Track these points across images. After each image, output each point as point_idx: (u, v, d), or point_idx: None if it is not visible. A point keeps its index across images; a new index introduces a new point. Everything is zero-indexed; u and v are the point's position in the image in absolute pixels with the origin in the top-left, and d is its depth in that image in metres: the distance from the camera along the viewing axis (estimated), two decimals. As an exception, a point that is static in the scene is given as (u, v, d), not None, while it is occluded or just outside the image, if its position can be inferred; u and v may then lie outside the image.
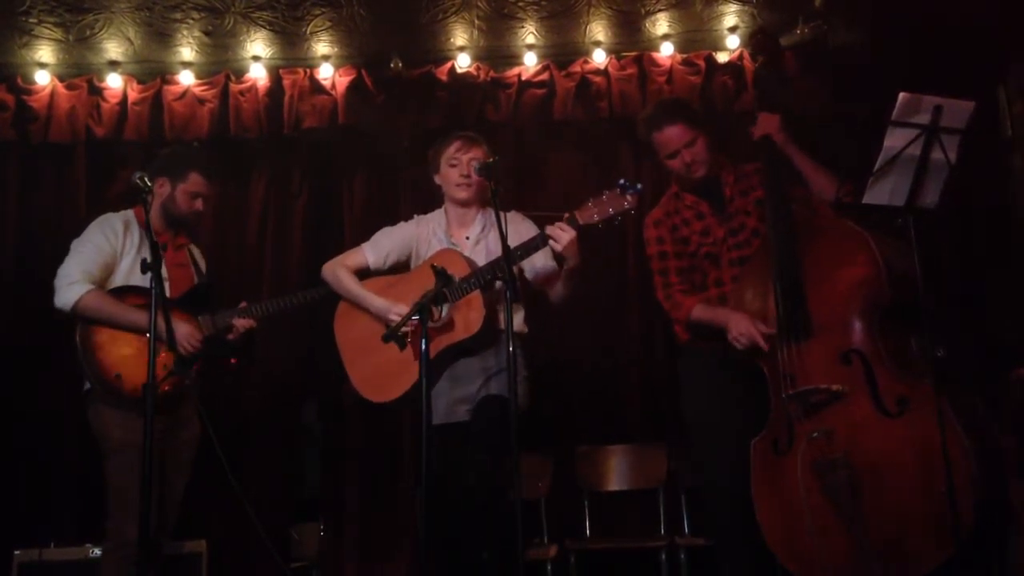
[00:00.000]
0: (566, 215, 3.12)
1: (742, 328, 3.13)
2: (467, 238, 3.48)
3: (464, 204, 3.50)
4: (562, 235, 3.10)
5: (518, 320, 3.45)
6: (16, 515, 4.29)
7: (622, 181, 3.06)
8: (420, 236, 3.56)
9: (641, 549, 4.22)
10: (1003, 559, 2.96)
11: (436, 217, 3.59)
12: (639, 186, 3.07)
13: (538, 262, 3.39)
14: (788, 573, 3.03)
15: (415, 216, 3.64)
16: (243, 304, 3.76)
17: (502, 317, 3.36)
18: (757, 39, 3.60)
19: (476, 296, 3.23)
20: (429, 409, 3.04)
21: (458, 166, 3.46)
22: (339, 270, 3.55)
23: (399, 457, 4.62)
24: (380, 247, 3.57)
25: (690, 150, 3.40)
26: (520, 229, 3.38)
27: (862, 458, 2.90)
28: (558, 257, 3.25)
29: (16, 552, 3.81)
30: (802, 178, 3.32)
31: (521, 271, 3.44)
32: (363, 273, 3.55)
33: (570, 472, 4.53)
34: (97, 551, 3.76)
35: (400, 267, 3.57)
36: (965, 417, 2.80)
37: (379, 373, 3.40)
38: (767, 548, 3.07)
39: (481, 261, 3.32)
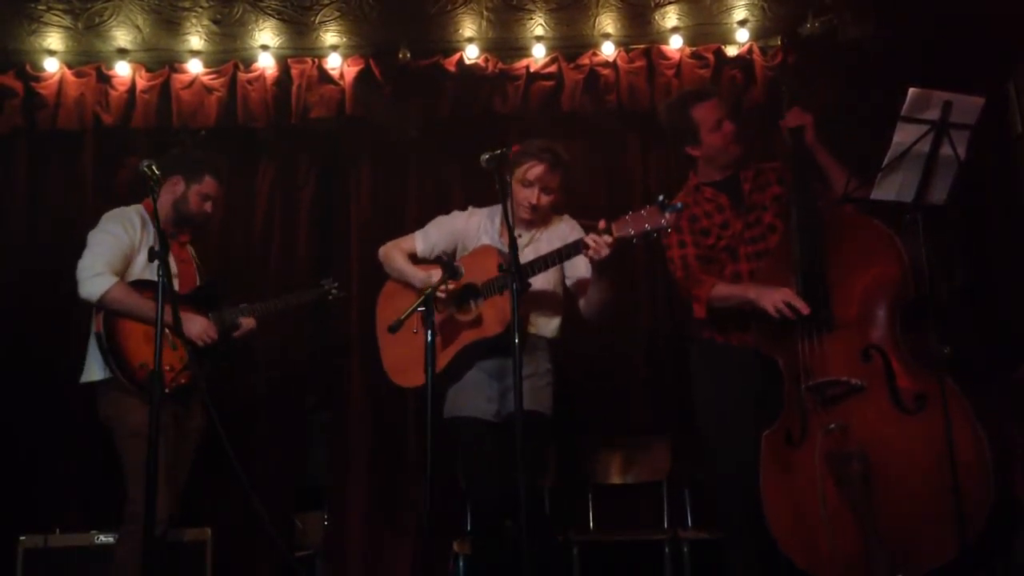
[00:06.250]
0: (601, 225, 3.05)
1: (781, 295, 3.10)
2: (519, 236, 3.43)
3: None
4: (599, 248, 3.03)
5: (553, 326, 3.45)
6: (21, 501, 4.29)
7: (661, 198, 2.93)
8: (469, 229, 3.55)
9: (644, 542, 4.22)
10: (1008, 555, 2.96)
11: (493, 212, 3.54)
12: (680, 205, 2.97)
13: (580, 271, 3.36)
14: (792, 565, 3.04)
15: (470, 208, 3.63)
16: (243, 305, 3.81)
17: (536, 320, 3.37)
18: (792, 39, 3.57)
19: (509, 295, 3.21)
20: (433, 402, 3.05)
21: (532, 192, 3.39)
22: (392, 250, 3.63)
23: (403, 446, 4.62)
24: (429, 237, 3.61)
25: (728, 124, 3.43)
26: (568, 235, 3.36)
27: (877, 453, 2.91)
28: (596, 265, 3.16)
29: (21, 538, 3.82)
30: (821, 174, 3.33)
31: (563, 279, 3.42)
32: (412, 260, 3.59)
33: (574, 465, 4.54)
34: (103, 537, 3.79)
35: (450, 257, 3.58)
36: (982, 415, 2.80)
37: (408, 359, 3.41)
38: (774, 540, 3.07)
39: None
